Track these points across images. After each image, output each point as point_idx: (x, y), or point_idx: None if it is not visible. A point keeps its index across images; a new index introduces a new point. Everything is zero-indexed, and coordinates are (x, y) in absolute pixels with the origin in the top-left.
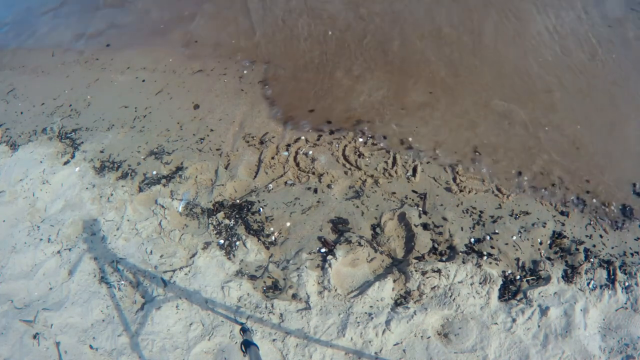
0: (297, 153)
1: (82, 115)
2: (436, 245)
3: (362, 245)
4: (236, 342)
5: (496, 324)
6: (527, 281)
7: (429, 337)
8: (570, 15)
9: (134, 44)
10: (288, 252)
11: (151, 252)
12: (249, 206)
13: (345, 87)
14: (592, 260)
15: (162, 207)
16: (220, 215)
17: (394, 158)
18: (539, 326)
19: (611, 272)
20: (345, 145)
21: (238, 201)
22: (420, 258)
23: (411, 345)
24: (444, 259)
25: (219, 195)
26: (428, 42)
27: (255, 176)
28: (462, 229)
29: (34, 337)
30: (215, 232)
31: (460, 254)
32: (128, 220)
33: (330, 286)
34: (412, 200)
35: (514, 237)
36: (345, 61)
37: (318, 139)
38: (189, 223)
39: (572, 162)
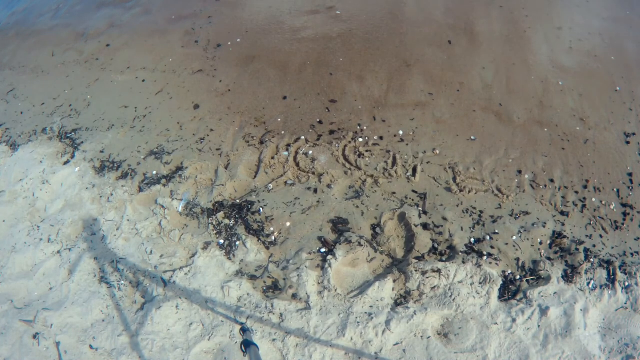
0: (297, 153)
1: (82, 115)
2: (436, 245)
3: (362, 245)
4: (236, 342)
5: (496, 324)
6: (527, 281)
7: (429, 337)
8: None
9: (134, 44)
10: (288, 252)
11: (151, 252)
12: (249, 206)
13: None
14: (592, 260)
15: (162, 207)
16: (220, 215)
17: (394, 158)
18: (539, 326)
19: (611, 272)
20: (345, 145)
21: (238, 201)
22: (420, 258)
23: (411, 345)
24: (444, 259)
25: (219, 195)
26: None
27: (255, 176)
28: (462, 229)
29: (34, 337)
30: (215, 232)
31: (460, 254)
32: (128, 220)
33: (330, 286)
34: (412, 200)
35: (514, 237)
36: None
37: (318, 139)
38: (189, 223)
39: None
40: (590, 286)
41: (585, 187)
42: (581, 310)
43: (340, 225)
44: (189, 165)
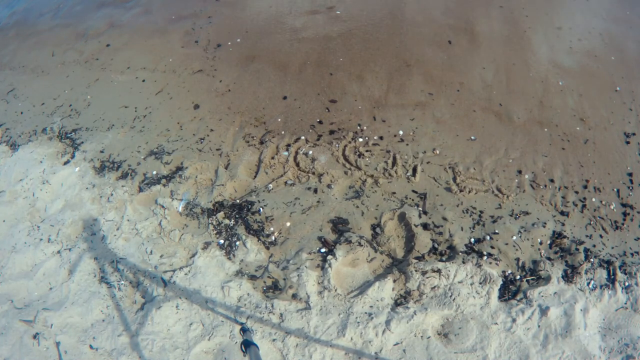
0: (297, 153)
1: (82, 115)
2: (436, 245)
3: (362, 245)
4: (236, 342)
5: (496, 324)
6: (527, 281)
7: (429, 337)
8: None
9: (134, 44)
10: (288, 252)
11: (151, 252)
12: (249, 206)
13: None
14: (592, 260)
15: (162, 207)
16: (220, 215)
17: (394, 158)
18: (539, 326)
19: (611, 272)
20: (345, 145)
21: (238, 201)
22: (420, 258)
23: (411, 345)
24: (444, 259)
25: (219, 195)
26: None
27: (255, 176)
28: (462, 229)
29: (34, 337)
30: (215, 232)
31: (460, 254)
32: (128, 220)
33: (330, 286)
34: (412, 200)
35: (514, 237)
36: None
37: (318, 139)
38: (189, 223)
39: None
40: (590, 286)
41: (585, 187)
42: (581, 310)
43: (340, 225)
44: (189, 165)
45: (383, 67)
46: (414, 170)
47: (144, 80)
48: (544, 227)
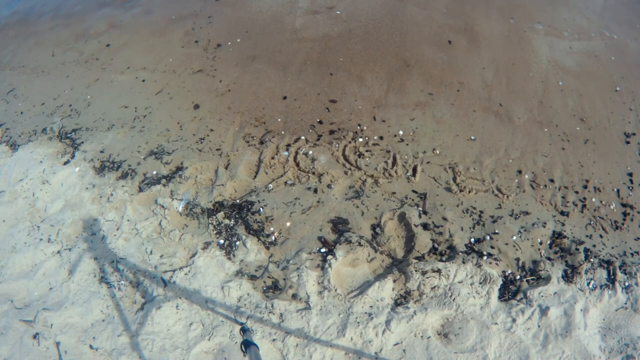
0: (297, 153)
1: (82, 115)
2: (436, 245)
3: (362, 245)
4: (236, 342)
5: (496, 324)
6: (527, 281)
7: (429, 337)
8: None
9: (134, 44)
10: (288, 252)
11: (151, 252)
12: (249, 206)
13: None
14: (592, 260)
15: (162, 207)
16: (220, 215)
17: (394, 158)
18: (539, 326)
19: (611, 272)
20: (345, 145)
21: (238, 201)
22: (420, 258)
23: (411, 345)
24: (444, 259)
25: (219, 195)
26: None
27: (255, 176)
28: (462, 229)
29: (34, 337)
30: (215, 232)
31: (460, 254)
32: (128, 220)
33: (330, 286)
34: (412, 200)
35: (514, 237)
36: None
37: (318, 139)
38: (189, 223)
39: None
40: (590, 286)
41: (585, 187)
42: (581, 310)
43: (340, 225)
44: (189, 165)
45: (383, 67)
46: (414, 170)
47: (144, 80)
48: (544, 227)
